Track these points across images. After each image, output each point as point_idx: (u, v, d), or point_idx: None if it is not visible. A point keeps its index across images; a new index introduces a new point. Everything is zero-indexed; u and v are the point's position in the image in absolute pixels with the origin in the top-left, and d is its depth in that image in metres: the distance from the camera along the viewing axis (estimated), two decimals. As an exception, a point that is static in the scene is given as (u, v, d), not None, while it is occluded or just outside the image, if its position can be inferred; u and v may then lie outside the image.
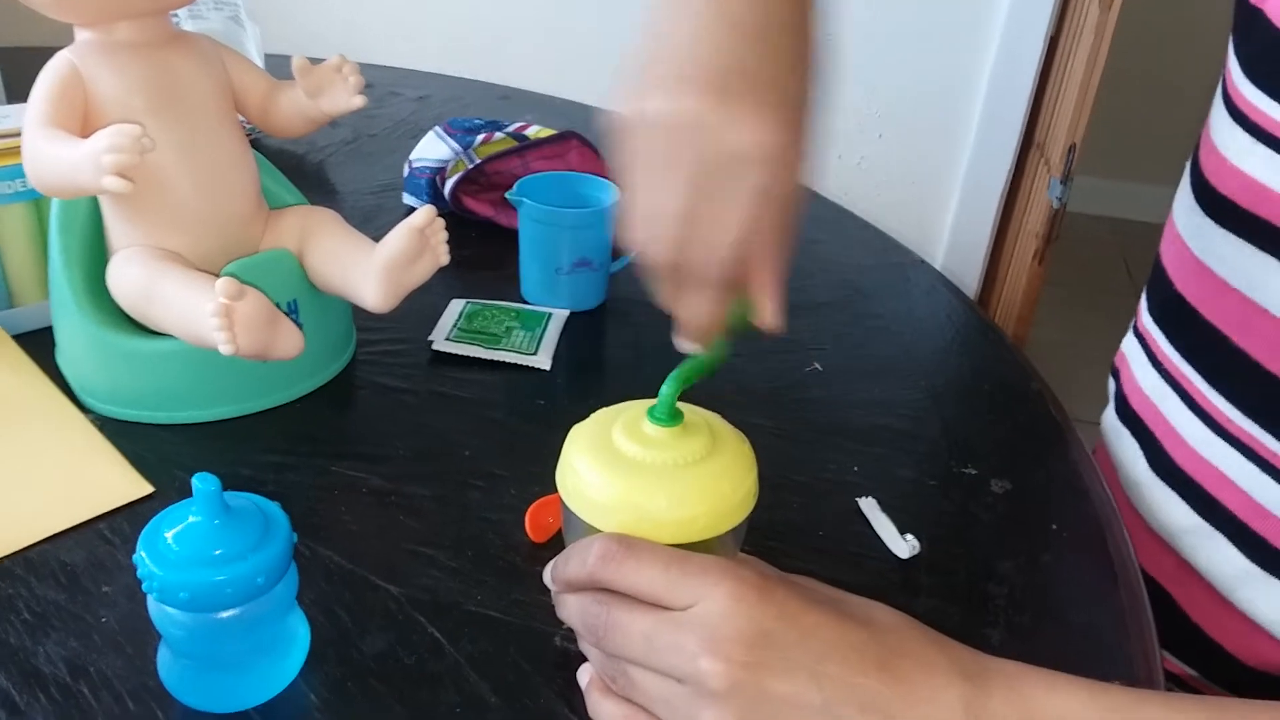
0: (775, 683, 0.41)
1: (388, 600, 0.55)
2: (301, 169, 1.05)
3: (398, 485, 0.63)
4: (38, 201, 0.71)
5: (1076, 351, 1.95)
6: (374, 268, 0.64)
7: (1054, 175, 1.66)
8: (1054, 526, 0.63)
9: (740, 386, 0.74)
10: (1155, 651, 0.55)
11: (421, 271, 0.65)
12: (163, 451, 0.64)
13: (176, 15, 1.04)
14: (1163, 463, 0.67)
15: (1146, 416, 0.69)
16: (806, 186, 0.47)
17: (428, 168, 0.97)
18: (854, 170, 1.95)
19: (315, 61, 0.67)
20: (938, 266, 1.04)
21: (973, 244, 1.99)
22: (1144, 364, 0.70)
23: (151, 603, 0.46)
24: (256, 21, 1.11)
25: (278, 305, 0.62)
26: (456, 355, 0.75)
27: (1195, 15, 2.70)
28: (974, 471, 0.67)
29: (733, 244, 0.45)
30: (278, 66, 0.71)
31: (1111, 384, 0.76)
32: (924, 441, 0.70)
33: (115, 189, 0.55)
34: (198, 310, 0.58)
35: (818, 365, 0.77)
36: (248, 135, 0.69)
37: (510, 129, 1.00)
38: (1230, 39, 0.63)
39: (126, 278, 0.63)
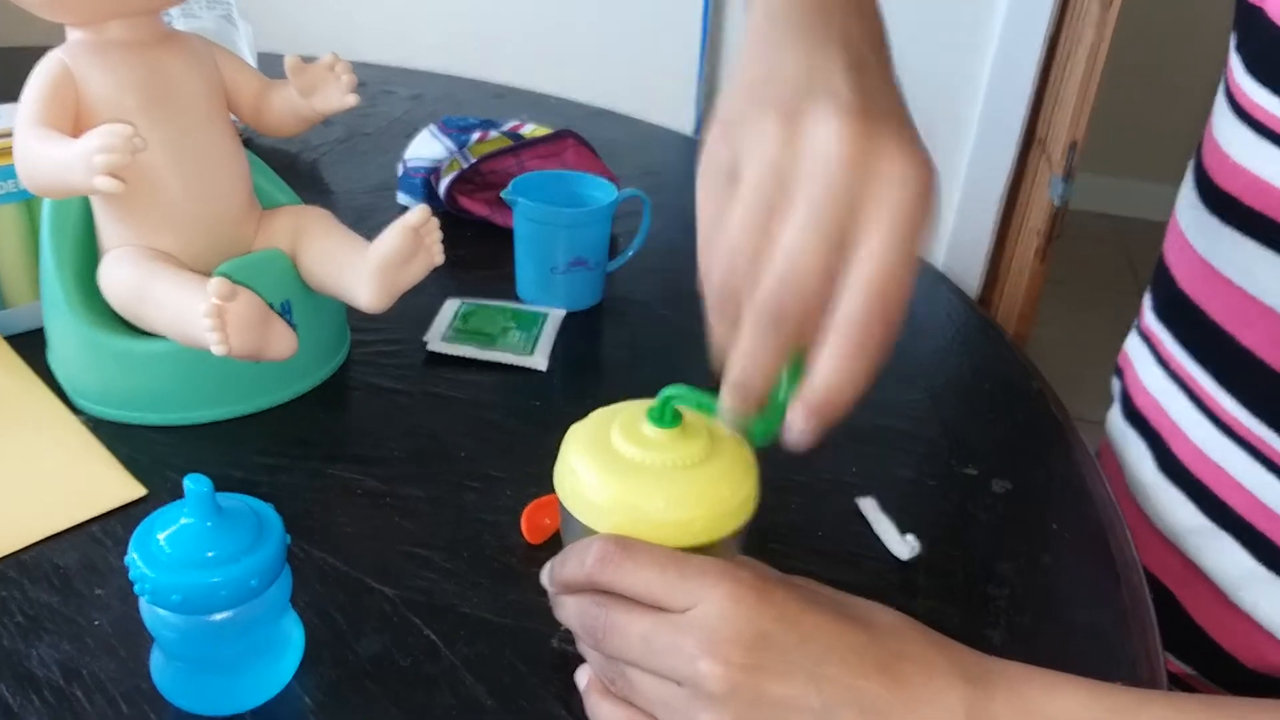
0: (774, 685, 0.40)
1: (383, 602, 0.54)
2: (295, 168, 1.05)
3: (392, 487, 0.62)
4: (29, 202, 0.71)
5: (1079, 350, 1.95)
6: (368, 267, 0.64)
7: (1055, 173, 1.66)
8: (1055, 527, 0.63)
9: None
10: (1158, 652, 0.55)
11: (416, 271, 0.65)
12: (155, 453, 0.64)
13: (169, 14, 1.03)
14: (1169, 463, 0.66)
15: (1152, 416, 0.68)
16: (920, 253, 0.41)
17: (422, 167, 0.96)
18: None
19: (308, 60, 0.67)
20: (939, 265, 1.03)
21: (974, 242, 1.99)
22: (1149, 363, 0.69)
23: (144, 605, 0.46)
24: (249, 20, 1.11)
25: (271, 306, 0.62)
26: (452, 356, 0.74)
27: (1196, 12, 2.70)
28: (974, 471, 0.67)
29: (874, 296, 0.39)
30: (270, 65, 0.71)
31: (1116, 384, 0.76)
32: (924, 441, 0.70)
33: (106, 189, 0.54)
34: (190, 311, 0.58)
35: (816, 364, 0.76)
36: (240, 134, 0.69)
37: (505, 128, 1.00)
38: (1231, 36, 0.63)
39: (118, 278, 0.63)
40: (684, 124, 1.75)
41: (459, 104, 1.24)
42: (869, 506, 0.62)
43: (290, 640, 0.50)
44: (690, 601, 0.41)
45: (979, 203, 1.96)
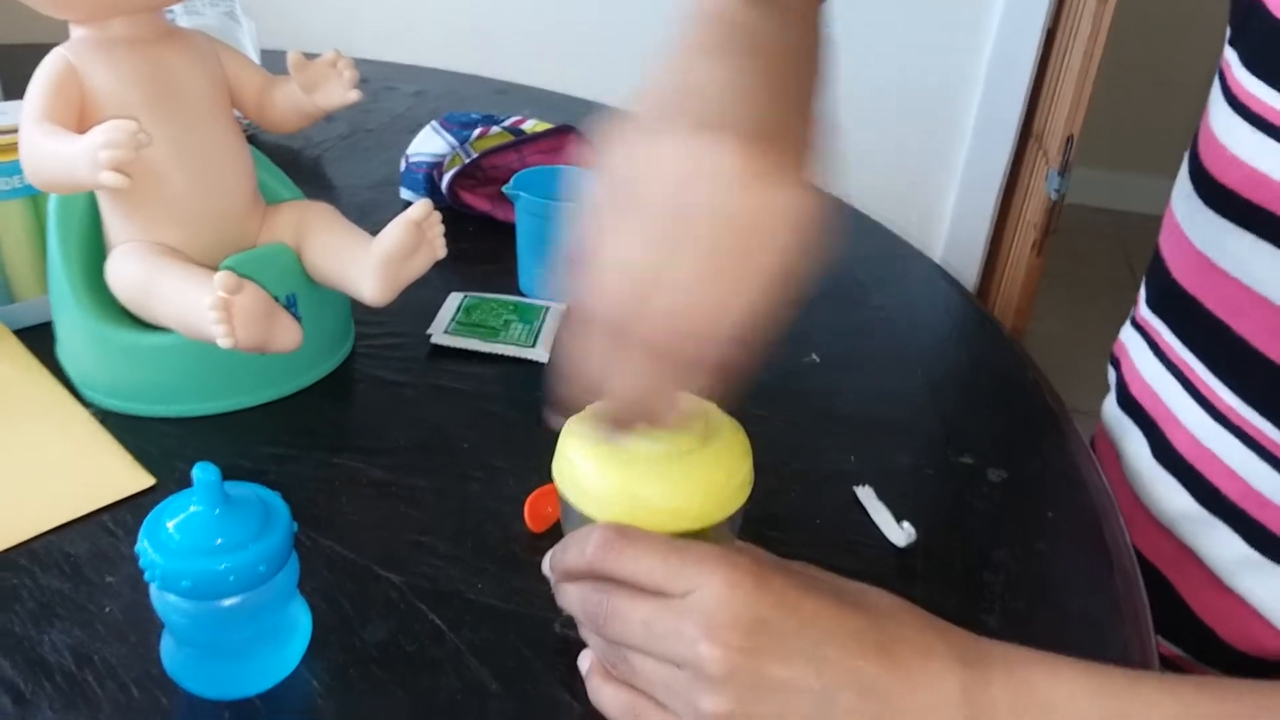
0: (774, 668, 0.41)
1: (389, 589, 0.55)
2: (298, 164, 1.06)
3: (398, 477, 0.63)
4: (35, 198, 0.72)
5: (1076, 343, 1.95)
6: (371, 261, 0.64)
7: (1052, 167, 1.67)
8: (1050, 515, 0.64)
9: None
10: (1150, 637, 0.56)
11: (419, 265, 0.65)
12: (164, 444, 0.64)
13: (172, 11, 1.04)
14: (1164, 451, 0.67)
15: (1148, 405, 0.69)
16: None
17: (424, 162, 0.97)
18: (851, 163, 1.95)
19: (310, 57, 0.68)
20: (937, 259, 1.04)
21: (972, 236, 2.00)
22: (1145, 353, 0.70)
23: (154, 591, 0.47)
24: (252, 17, 1.12)
25: (276, 299, 0.62)
26: (455, 348, 0.75)
27: (1192, 6, 2.70)
28: (971, 461, 0.67)
29: (726, 318, 0.40)
30: (273, 62, 0.71)
31: (1112, 373, 0.77)
32: (921, 431, 0.70)
33: (112, 184, 0.55)
34: (196, 304, 0.58)
35: (815, 356, 0.77)
36: (244, 131, 0.69)
37: (507, 123, 1.01)
38: (1228, 29, 0.63)
39: (125, 273, 0.64)
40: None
41: (461, 100, 1.25)
42: (867, 495, 0.63)
43: (298, 626, 0.51)
44: (690, 587, 0.42)
45: (976, 196, 1.97)
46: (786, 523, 0.61)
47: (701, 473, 0.45)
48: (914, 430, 0.70)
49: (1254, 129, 0.58)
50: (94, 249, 0.67)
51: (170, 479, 0.62)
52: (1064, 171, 1.64)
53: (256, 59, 1.07)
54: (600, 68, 1.76)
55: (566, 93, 1.30)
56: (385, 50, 1.44)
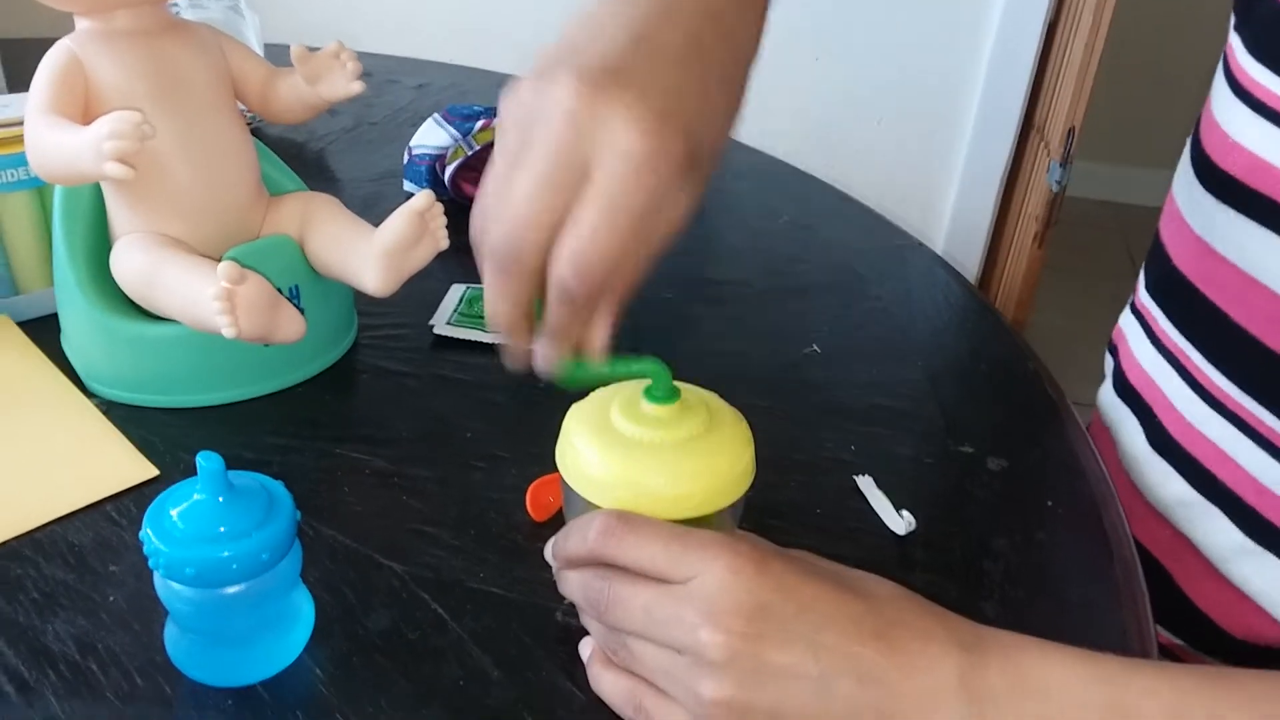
0: (773, 653, 0.41)
1: (391, 578, 0.55)
2: (302, 157, 1.06)
3: (400, 467, 0.63)
4: (40, 189, 0.72)
5: (1076, 335, 1.95)
6: (374, 252, 0.65)
7: (1054, 159, 1.67)
8: (1049, 503, 0.64)
9: (738, 368, 0.75)
10: (1149, 624, 0.56)
11: (421, 256, 0.66)
12: (168, 435, 0.65)
13: (176, 5, 1.04)
14: (1160, 438, 0.67)
15: (1144, 392, 0.69)
16: (689, 212, 0.44)
17: (427, 155, 0.97)
18: (853, 156, 1.96)
19: (313, 50, 0.68)
20: (939, 251, 1.04)
21: (973, 228, 2.00)
22: (1142, 340, 0.70)
23: (158, 579, 0.47)
24: (255, 11, 1.12)
25: (279, 290, 0.63)
26: (457, 339, 0.75)
27: (1193, 0, 2.70)
28: (970, 450, 0.68)
29: (580, 247, 0.42)
30: (277, 56, 0.72)
31: (1109, 360, 0.77)
32: (921, 421, 0.71)
33: (117, 175, 0.55)
34: (200, 295, 0.59)
35: (816, 347, 0.78)
36: (248, 123, 0.70)
37: (509, 115, 1.01)
38: (1231, 16, 0.63)
39: (129, 264, 0.64)
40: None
41: (464, 93, 1.25)
42: (867, 485, 0.63)
43: (301, 614, 0.51)
44: (691, 573, 0.43)
45: (978, 188, 1.97)
46: (787, 512, 0.61)
47: (704, 460, 0.46)
48: (914, 420, 0.71)
49: (1256, 115, 0.58)
50: (99, 241, 0.67)
51: (174, 469, 0.62)
52: (1065, 163, 1.64)
53: (260, 52, 1.07)
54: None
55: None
56: (388, 44, 1.44)
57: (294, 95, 0.69)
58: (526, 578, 0.55)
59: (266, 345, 0.65)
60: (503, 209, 0.43)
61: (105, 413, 0.66)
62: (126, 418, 0.66)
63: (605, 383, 0.48)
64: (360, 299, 0.71)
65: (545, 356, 0.46)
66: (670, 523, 0.44)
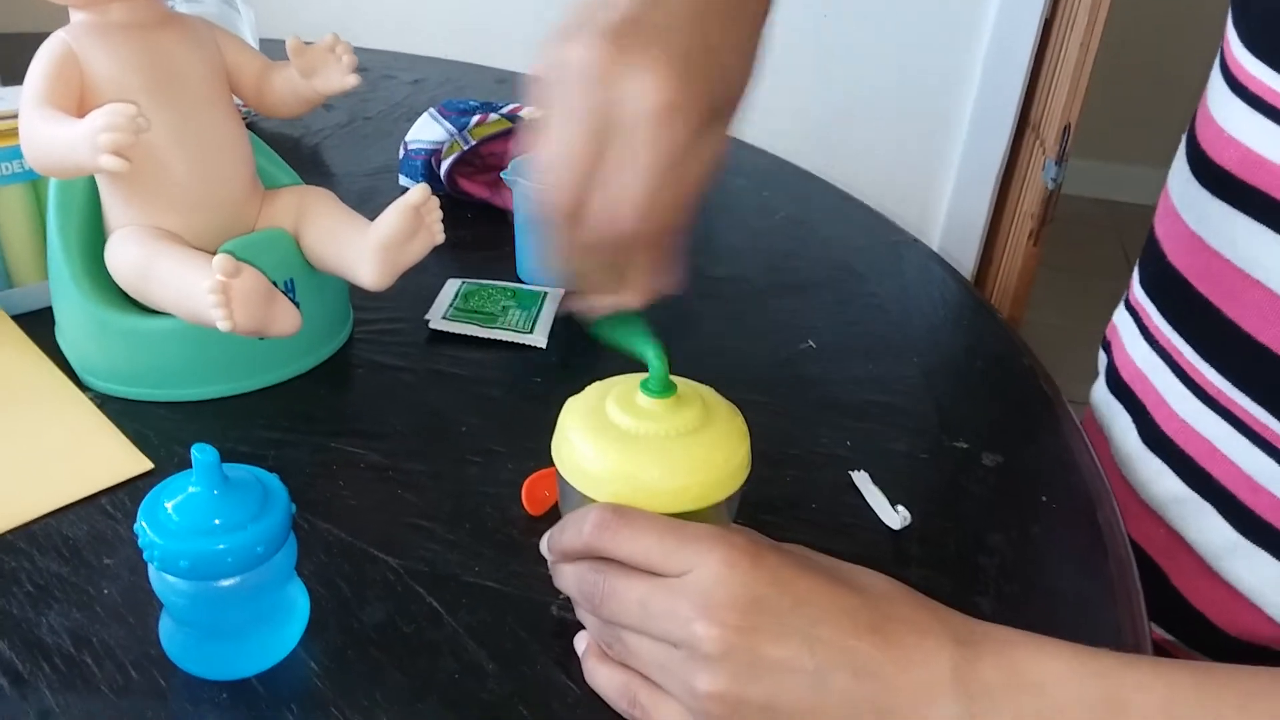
0: (769, 647, 0.41)
1: (386, 572, 0.55)
2: (297, 151, 1.06)
3: (396, 461, 0.63)
4: (35, 182, 0.72)
5: (1071, 333, 1.96)
6: (369, 246, 0.64)
7: (1049, 156, 1.67)
8: (1044, 499, 0.64)
9: (735, 363, 0.75)
10: (1143, 620, 0.56)
11: (417, 250, 0.66)
12: (163, 429, 0.65)
13: (171, -1, 1.04)
14: (1153, 434, 0.67)
15: (1137, 388, 0.69)
16: (716, 161, 0.46)
17: (423, 149, 0.97)
18: (849, 154, 1.96)
19: (309, 43, 0.68)
20: (935, 246, 1.04)
21: (969, 225, 2.00)
22: (1135, 336, 0.70)
23: (153, 572, 0.47)
24: (250, 5, 1.11)
25: (274, 284, 0.63)
26: (453, 334, 0.75)
27: (1190, -2, 2.71)
28: (965, 445, 0.68)
29: (632, 197, 0.44)
30: (272, 51, 0.71)
31: (1103, 357, 0.77)
32: (916, 416, 0.71)
33: (112, 168, 0.55)
34: (195, 288, 0.59)
35: (811, 343, 0.78)
36: (243, 117, 0.70)
37: (505, 110, 1.01)
38: (1229, 10, 0.63)
39: (124, 257, 0.64)
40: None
41: (459, 89, 1.25)
42: (862, 480, 0.63)
43: (296, 608, 0.51)
44: (686, 567, 0.43)
45: (974, 186, 1.97)
46: (783, 507, 0.61)
47: (700, 454, 0.46)
48: (909, 415, 0.71)
49: (1252, 109, 0.58)
50: (93, 234, 0.67)
51: (169, 463, 0.62)
52: (1061, 161, 1.64)
53: (255, 47, 1.07)
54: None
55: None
56: (384, 40, 1.44)
57: (289, 89, 0.68)
58: (522, 572, 0.55)
59: (261, 339, 0.65)
60: (543, 169, 0.45)
61: (100, 406, 0.66)
62: (121, 411, 0.66)
63: (623, 348, 0.48)
64: (356, 293, 0.71)
65: (584, 304, 0.49)
66: (665, 516, 0.45)
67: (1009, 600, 0.56)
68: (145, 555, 0.46)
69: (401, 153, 0.99)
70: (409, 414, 0.68)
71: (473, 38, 1.83)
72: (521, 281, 0.83)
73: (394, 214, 0.64)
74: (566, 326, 0.78)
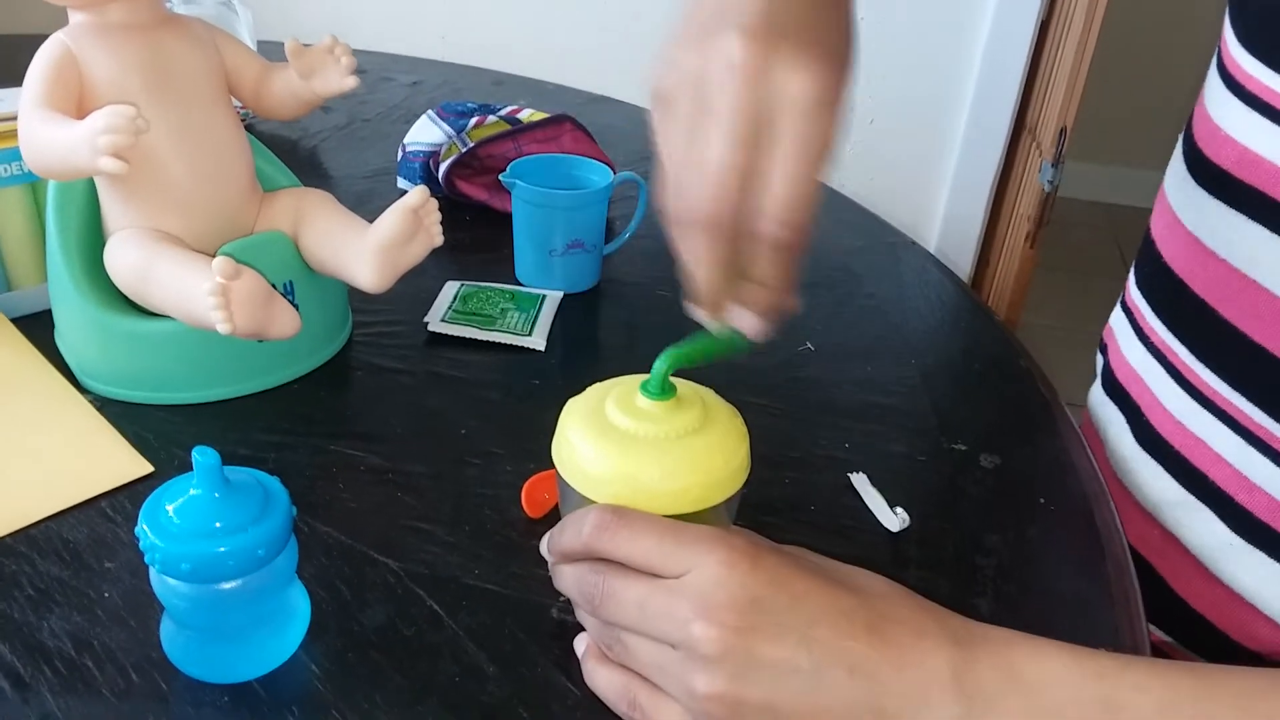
0: (766, 647, 0.41)
1: (387, 574, 0.55)
2: (295, 154, 1.06)
3: (395, 463, 0.63)
4: (34, 184, 0.72)
5: (1068, 335, 1.96)
6: (368, 248, 0.65)
7: (1046, 159, 1.67)
8: (1042, 500, 0.64)
9: (733, 365, 0.74)
10: (1141, 621, 0.56)
11: (416, 252, 0.66)
12: (162, 431, 0.65)
13: (170, 0, 1.04)
14: (1148, 436, 0.67)
15: (1133, 390, 0.70)
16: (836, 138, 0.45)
17: (421, 152, 0.97)
18: (847, 156, 1.96)
19: (307, 45, 0.68)
20: (932, 248, 1.05)
21: (966, 228, 2.00)
22: (1130, 338, 0.71)
23: (154, 574, 0.47)
24: (249, 7, 1.12)
25: (274, 286, 0.63)
26: (452, 336, 0.76)
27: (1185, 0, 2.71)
28: (963, 447, 0.68)
29: (787, 195, 0.43)
30: (270, 53, 0.72)
31: (1099, 359, 0.77)
32: (914, 418, 0.71)
33: (111, 170, 0.55)
34: (195, 290, 0.59)
35: (810, 345, 0.78)
36: (241, 120, 0.70)
37: (503, 112, 1.01)
38: (1226, 9, 0.63)
39: (123, 259, 0.64)
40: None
41: (457, 91, 1.25)
42: (861, 482, 0.63)
43: (297, 611, 0.51)
44: (685, 567, 0.43)
45: (970, 188, 1.97)
46: (781, 508, 0.61)
47: (700, 456, 0.46)
48: (907, 417, 0.71)
49: (1248, 108, 0.58)
50: (93, 236, 0.67)
51: (169, 466, 0.62)
52: (1057, 163, 1.64)
53: (253, 49, 1.07)
54: (596, 60, 1.77)
55: (563, 84, 1.30)
56: (382, 42, 1.44)
57: (288, 90, 0.69)
58: (521, 574, 0.56)
59: (261, 341, 0.65)
60: (695, 175, 0.43)
61: (100, 409, 0.66)
62: (121, 414, 0.66)
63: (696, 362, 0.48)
64: (355, 295, 0.71)
65: (760, 314, 0.46)
66: (665, 518, 0.45)
67: (1007, 601, 0.56)
68: (146, 558, 0.46)
69: (400, 155, 0.99)
70: (408, 416, 0.68)
71: (471, 39, 1.83)
72: (520, 284, 0.83)
73: (393, 216, 0.64)
74: (565, 329, 0.78)
